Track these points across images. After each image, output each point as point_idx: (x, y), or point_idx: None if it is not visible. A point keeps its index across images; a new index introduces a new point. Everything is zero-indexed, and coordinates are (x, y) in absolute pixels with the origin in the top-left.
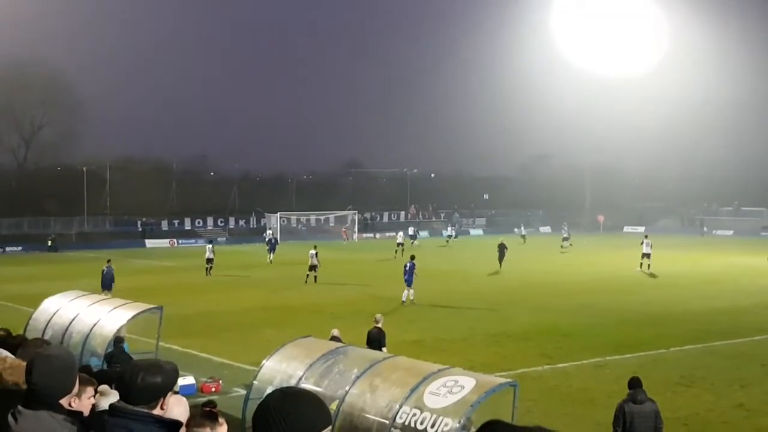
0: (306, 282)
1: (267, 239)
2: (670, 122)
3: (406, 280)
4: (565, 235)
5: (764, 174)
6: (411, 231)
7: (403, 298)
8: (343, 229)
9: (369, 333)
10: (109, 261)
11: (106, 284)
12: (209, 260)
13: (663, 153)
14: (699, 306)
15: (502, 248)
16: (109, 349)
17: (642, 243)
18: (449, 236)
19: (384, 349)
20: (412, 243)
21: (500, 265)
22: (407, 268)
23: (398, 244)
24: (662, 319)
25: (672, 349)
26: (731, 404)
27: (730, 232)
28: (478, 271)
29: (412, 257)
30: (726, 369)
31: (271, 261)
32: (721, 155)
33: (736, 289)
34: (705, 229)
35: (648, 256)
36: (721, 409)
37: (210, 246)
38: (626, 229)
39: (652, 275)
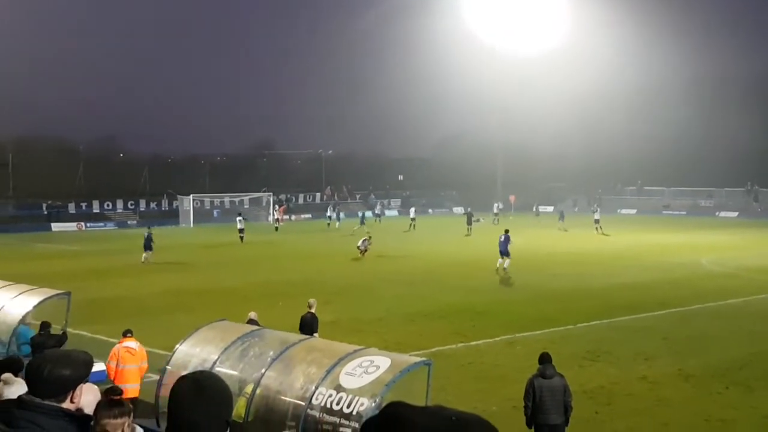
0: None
1: (361, 215)
2: (576, 102)
3: (501, 252)
4: (596, 217)
5: (665, 154)
6: (333, 210)
7: (497, 265)
8: (281, 208)
9: (302, 318)
10: (149, 227)
11: (148, 246)
12: (241, 230)
13: (569, 133)
14: (604, 282)
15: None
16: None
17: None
18: (329, 217)
19: (316, 335)
20: (337, 222)
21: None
22: (502, 240)
23: (471, 220)
24: (570, 295)
25: (579, 325)
26: (635, 377)
27: (634, 211)
28: (395, 251)
29: (507, 231)
30: (630, 343)
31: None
32: (624, 136)
33: (639, 266)
34: (535, 209)
35: (598, 221)
36: (626, 382)
37: (240, 218)
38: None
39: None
